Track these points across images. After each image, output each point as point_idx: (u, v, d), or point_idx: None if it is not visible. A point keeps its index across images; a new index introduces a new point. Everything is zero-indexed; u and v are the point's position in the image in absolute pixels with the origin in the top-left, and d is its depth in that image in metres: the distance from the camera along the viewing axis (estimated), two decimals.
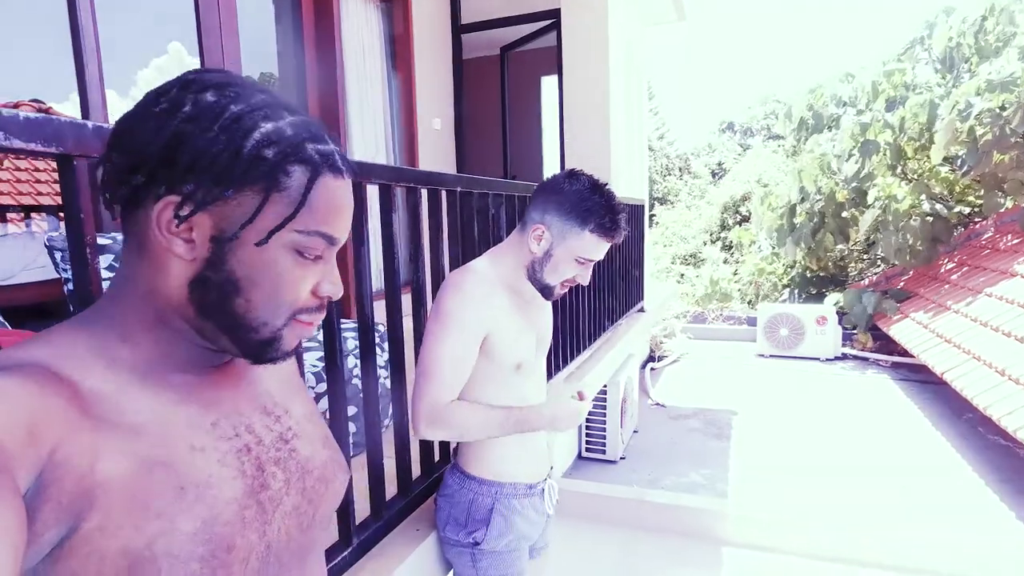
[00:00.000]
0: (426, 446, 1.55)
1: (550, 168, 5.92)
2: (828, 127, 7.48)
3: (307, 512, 0.60)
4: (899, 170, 6.63)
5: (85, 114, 2.20)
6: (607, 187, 1.29)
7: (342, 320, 1.31)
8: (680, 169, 22.98)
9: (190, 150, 0.48)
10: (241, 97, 0.50)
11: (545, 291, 1.33)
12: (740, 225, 13.87)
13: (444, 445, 1.63)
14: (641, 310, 4.70)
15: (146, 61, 2.74)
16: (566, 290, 1.34)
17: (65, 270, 2.00)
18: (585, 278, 1.32)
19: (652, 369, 6.47)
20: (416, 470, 1.52)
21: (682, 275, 12.14)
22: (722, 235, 14.68)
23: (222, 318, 0.52)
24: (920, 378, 5.87)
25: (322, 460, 0.64)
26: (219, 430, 0.54)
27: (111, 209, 0.52)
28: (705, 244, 14.83)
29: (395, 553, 1.34)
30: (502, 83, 5.26)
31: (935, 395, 5.39)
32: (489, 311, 1.26)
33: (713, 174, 21.26)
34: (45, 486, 0.40)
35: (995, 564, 2.54)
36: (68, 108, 2.37)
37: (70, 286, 2.01)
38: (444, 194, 1.58)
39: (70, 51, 2.13)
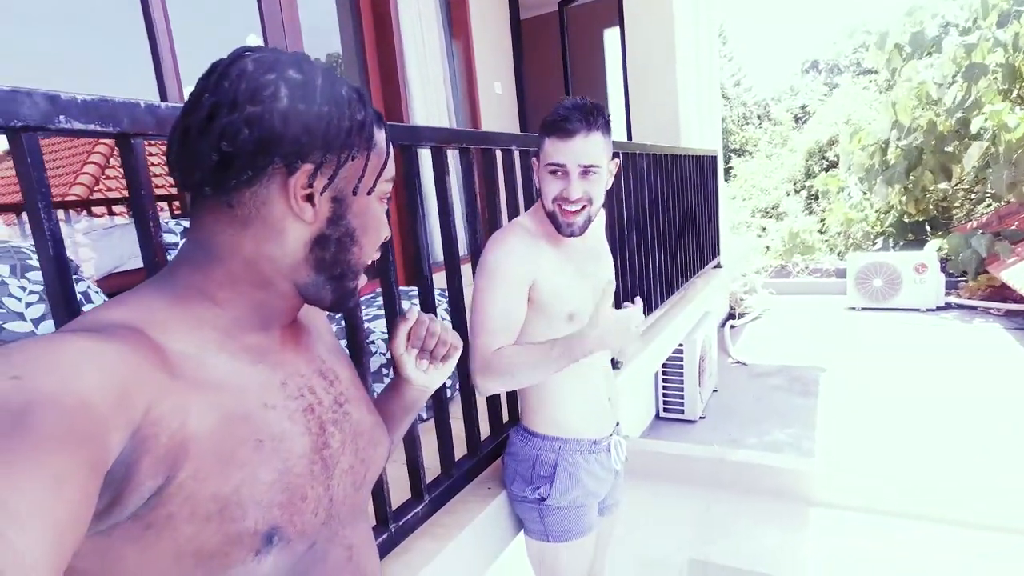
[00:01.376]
0: (494, 407, 1.57)
1: (617, 124, 5.72)
2: (928, 52, 6.76)
3: (359, 472, 0.64)
4: (1013, 95, 5.91)
5: (163, 97, 2.34)
6: (575, 96, 1.26)
7: (402, 288, 1.33)
8: (759, 117, 21.71)
9: (311, 125, 0.54)
10: (313, 70, 0.56)
11: (553, 220, 1.27)
12: (827, 172, 12.96)
13: (512, 405, 1.65)
14: (718, 266, 4.52)
15: (218, 55, 2.85)
16: (572, 216, 1.25)
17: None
18: (569, 190, 1.23)
19: (732, 327, 6.24)
20: (484, 431, 1.54)
21: (763, 228, 11.54)
22: (807, 184, 13.77)
23: (336, 268, 0.60)
24: None
25: (370, 424, 0.67)
26: (287, 389, 0.58)
27: (192, 190, 0.56)
28: (788, 195, 13.99)
29: (468, 509, 1.37)
30: (562, 40, 5.10)
31: None
32: (532, 262, 1.25)
33: (796, 119, 19.90)
34: (142, 440, 0.43)
35: None
36: None
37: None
38: (499, 154, 1.56)
39: (140, 52, 2.24)
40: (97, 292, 1.81)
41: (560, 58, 5.06)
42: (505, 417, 1.63)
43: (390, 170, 0.63)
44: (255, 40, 2.93)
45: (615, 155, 1.34)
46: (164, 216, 2.84)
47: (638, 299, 1.28)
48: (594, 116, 1.22)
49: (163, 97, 2.33)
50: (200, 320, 0.54)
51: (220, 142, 0.52)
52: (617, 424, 1.50)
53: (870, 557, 2.42)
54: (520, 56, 4.66)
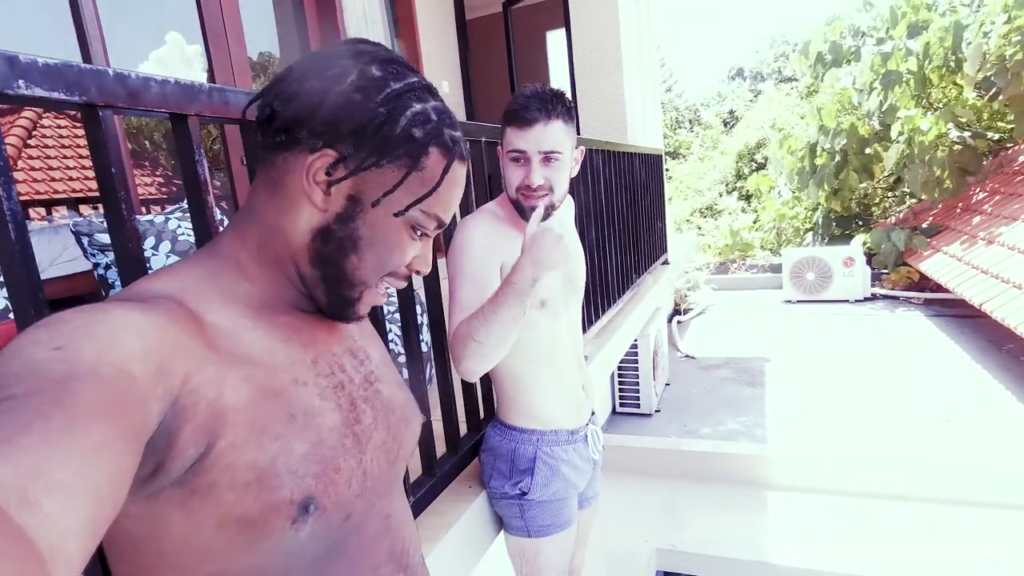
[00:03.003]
0: (471, 404, 1.54)
1: None
2: (847, 61, 7.19)
3: (392, 448, 0.64)
4: (924, 100, 6.37)
5: None
6: (534, 86, 1.26)
7: None
8: (690, 121, 22.52)
9: (354, 116, 0.53)
10: (401, 75, 0.55)
11: (516, 207, 1.27)
12: (757, 172, 13.57)
13: (488, 404, 1.61)
14: (665, 262, 4.63)
15: (145, 54, 2.68)
16: (532, 201, 1.23)
17: (93, 255, 1.99)
18: (529, 177, 1.22)
19: (679, 322, 6.42)
20: (463, 429, 1.50)
21: (699, 228, 11.95)
22: (738, 185, 14.38)
23: (330, 269, 0.57)
24: (955, 312, 5.75)
25: (401, 401, 0.68)
26: (318, 367, 0.58)
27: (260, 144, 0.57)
28: (721, 195, 14.57)
29: (450, 509, 1.33)
30: (507, 40, 5.12)
31: (973, 328, 5.27)
32: (500, 244, 1.25)
33: (725, 123, 20.77)
34: (182, 409, 0.44)
35: None
36: None
37: (100, 271, 2.00)
38: (465, 146, 1.53)
39: (69, 51, 2.09)
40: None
41: (506, 58, 5.07)
42: (482, 414, 1.60)
43: (435, 205, 0.57)
44: (176, 37, 2.79)
45: (578, 145, 1.33)
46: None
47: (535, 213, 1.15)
48: (553, 104, 1.21)
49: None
50: (234, 295, 0.55)
51: (275, 99, 0.55)
52: (593, 413, 1.49)
53: (824, 535, 2.52)
54: (467, 56, 4.64)
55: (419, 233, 0.59)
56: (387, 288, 0.61)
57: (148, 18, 2.70)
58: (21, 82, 0.59)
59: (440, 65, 4.33)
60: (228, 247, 0.57)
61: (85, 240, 1.97)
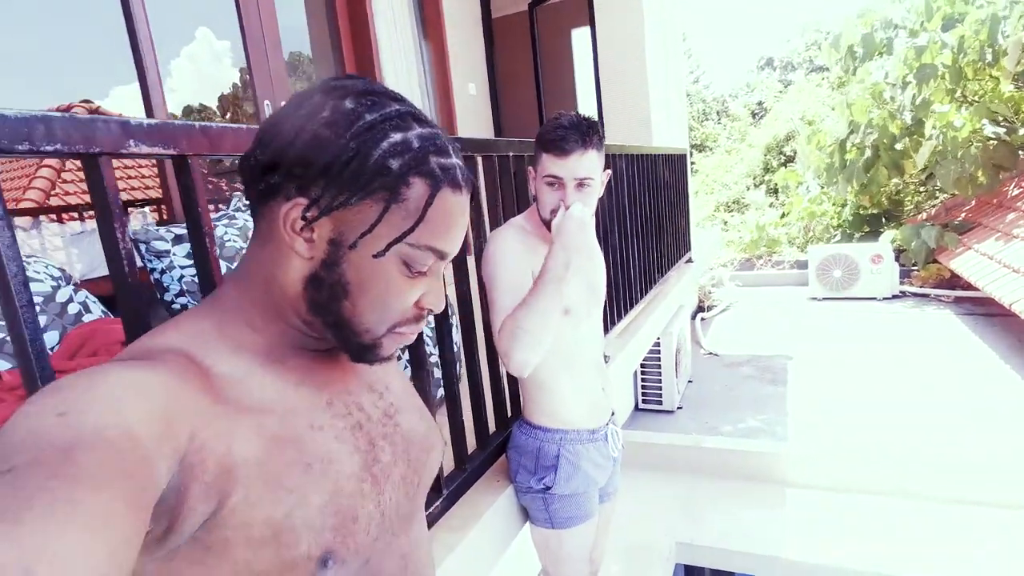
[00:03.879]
0: (499, 403, 1.64)
1: None
2: (879, 54, 7.07)
3: (412, 481, 0.64)
4: (958, 94, 6.25)
5: (148, 110, 2.32)
6: (570, 112, 1.35)
7: None
8: (718, 113, 22.17)
9: (322, 154, 0.50)
10: (376, 105, 0.52)
11: (548, 226, 1.36)
12: (785, 166, 13.36)
13: (515, 402, 1.72)
14: (689, 260, 4.66)
15: (177, 50, 2.80)
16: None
17: (149, 260, 2.14)
18: (566, 199, 1.31)
19: (703, 319, 6.44)
20: (492, 426, 1.61)
21: (725, 222, 11.85)
22: (766, 178, 14.18)
23: (329, 317, 0.55)
24: (985, 311, 5.67)
25: (422, 432, 0.68)
26: (334, 409, 0.57)
27: (247, 200, 0.58)
28: (748, 189, 14.37)
29: (481, 501, 1.44)
30: (532, 39, 5.17)
31: (1003, 327, 5.20)
32: (529, 255, 1.35)
33: (753, 115, 20.41)
34: (190, 467, 0.44)
35: None
36: (110, 105, 2.47)
37: (156, 275, 2.16)
38: (497, 160, 1.62)
39: (107, 46, 2.21)
40: (94, 301, 1.81)
41: (531, 58, 5.13)
42: (509, 412, 1.70)
43: (427, 238, 0.53)
44: (205, 32, 2.90)
45: (606, 166, 1.44)
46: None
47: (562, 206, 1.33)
48: (589, 135, 1.31)
49: (147, 103, 2.31)
50: (241, 345, 0.54)
51: (256, 147, 0.54)
52: (612, 414, 1.59)
53: (843, 532, 2.57)
54: (492, 56, 4.72)
55: (415, 270, 0.55)
56: (408, 331, 0.58)
57: (181, 11, 2.80)
58: (131, 142, 0.70)
59: (466, 66, 4.42)
60: (231, 298, 0.56)
61: (143, 247, 2.13)
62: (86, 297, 1.77)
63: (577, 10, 4.89)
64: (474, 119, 4.43)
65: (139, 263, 2.11)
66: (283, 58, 2.92)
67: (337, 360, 0.62)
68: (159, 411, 0.42)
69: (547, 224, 1.36)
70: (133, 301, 0.73)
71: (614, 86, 4.48)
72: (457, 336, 1.89)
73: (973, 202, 6.66)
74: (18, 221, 2.55)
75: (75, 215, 2.62)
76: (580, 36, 6.09)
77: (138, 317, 0.73)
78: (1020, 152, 6.23)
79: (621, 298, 2.73)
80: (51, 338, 1.61)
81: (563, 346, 1.40)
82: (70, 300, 1.72)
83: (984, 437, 3.50)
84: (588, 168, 1.31)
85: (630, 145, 3.03)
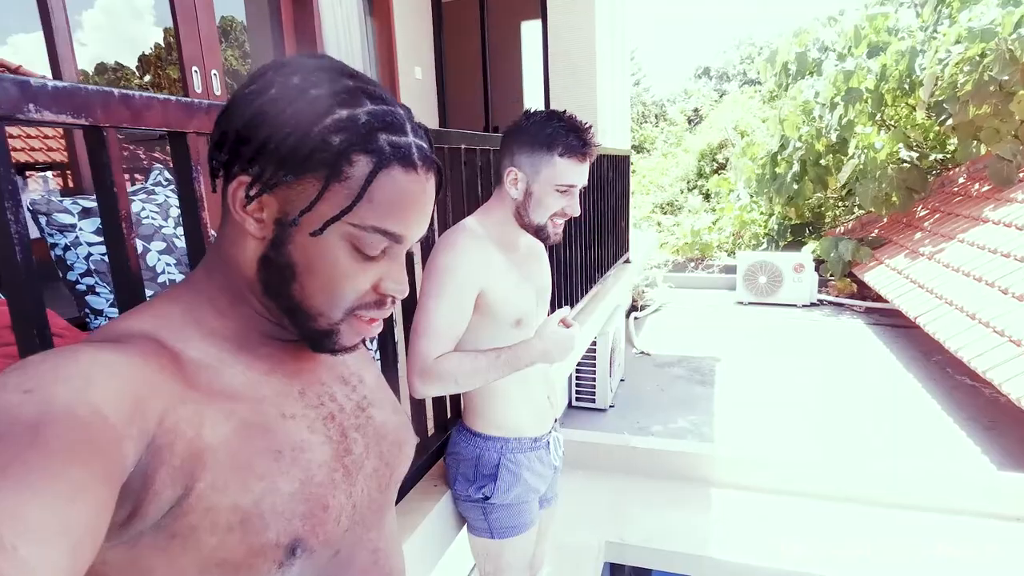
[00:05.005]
0: (439, 406, 1.58)
1: None
2: (811, 73, 7.44)
3: (384, 474, 0.63)
4: (878, 118, 6.66)
5: (55, 69, 2.08)
6: (565, 112, 1.31)
7: None
8: (656, 116, 22.77)
9: (263, 131, 0.49)
10: (325, 82, 0.50)
11: (539, 233, 1.32)
12: (718, 173, 13.88)
13: (456, 405, 1.66)
14: (627, 261, 4.73)
15: (90, 1, 2.55)
16: (560, 227, 1.34)
17: (51, 235, 1.92)
18: (574, 208, 1.31)
19: (635, 319, 6.58)
20: (430, 428, 1.55)
21: (659, 223, 12.19)
22: (699, 183, 14.68)
23: (281, 300, 0.54)
24: (892, 322, 6.09)
25: (394, 425, 0.66)
26: (306, 399, 0.56)
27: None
28: (682, 192, 14.84)
29: (417, 508, 1.38)
30: (482, 27, 5.08)
31: (907, 338, 5.60)
32: (482, 267, 1.26)
33: (689, 121, 21.08)
34: (158, 450, 0.43)
35: (961, 493, 2.72)
36: (7, 53, 2.20)
37: (58, 251, 1.95)
38: (447, 152, 1.55)
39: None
40: None
41: (479, 47, 5.04)
42: (448, 414, 1.64)
43: (372, 218, 0.50)
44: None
45: None
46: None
47: (567, 308, 1.35)
48: (594, 138, 1.28)
49: (53, 61, 2.08)
50: (211, 330, 0.53)
51: (215, 127, 0.53)
52: (556, 420, 1.56)
53: (767, 532, 2.68)
54: (440, 42, 4.60)
55: (367, 253, 0.52)
56: (371, 317, 0.55)
57: None
58: (31, 106, 0.59)
59: (413, 48, 4.28)
60: (200, 282, 0.55)
61: (43, 219, 1.91)
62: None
63: (528, 2, 4.84)
64: (419, 104, 4.30)
65: (37, 235, 1.89)
66: (215, 22, 2.71)
67: (307, 350, 0.59)
68: (129, 392, 0.41)
69: (534, 228, 1.30)
70: (20, 278, 0.61)
71: (563, 80, 4.47)
72: (400, 335, 1.81)
73: (886, 219, 7.14)
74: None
75: None
76: (530, 28, 6.05)
77: (29, 297, 0.62)
78: (929, 176, 6.72)
79: (562, 298, 2.72)
80: None
81: None
82: None
83: (889, 441, 3.75)
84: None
85: None
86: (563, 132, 1.25)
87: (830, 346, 5.63)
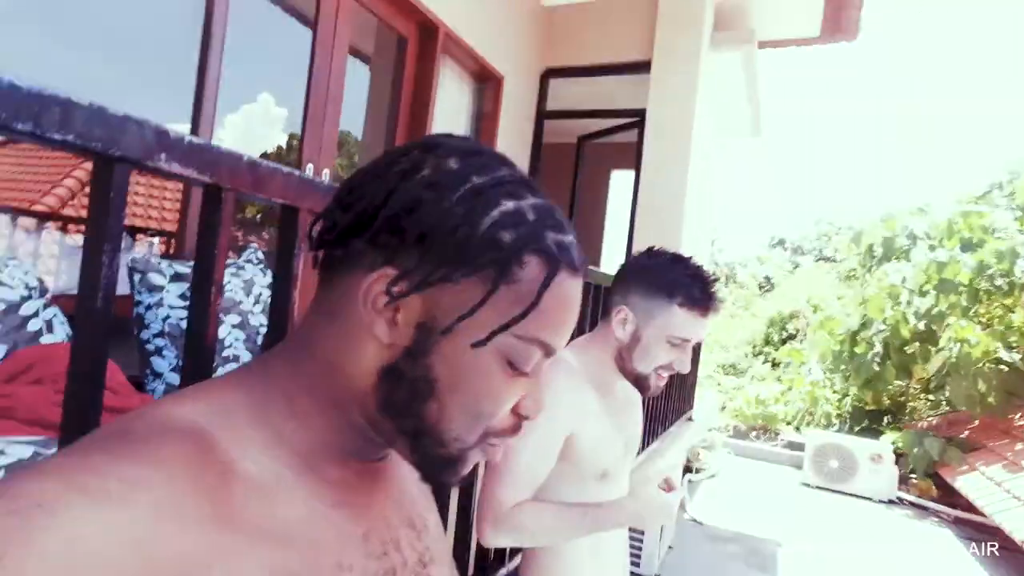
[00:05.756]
0: (482, 550, 1.39)
1: (610, 263, 5.89)
2: (898, 257, 7.30)
3: None
4: (972, 312, 6.34)
5: None
6: (691, 258, 1.20)
7: None
8: (726, 277, 22.87)
9: (421, 219, 0.41)
10: (487, 168, 0.44)
11: (639, 382, 1.19)
12: (785, 343, 13.49)
13: (507, 554, 1.47)
14: (690, 419, 4.46)
15: (236, 106, 2.84)
16: (664, 381, 1.20)
17: (139, 292, 1.97)
18: (684, 364, 1.17)
19: (689, 481, 6.09)
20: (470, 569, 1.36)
21: (719, 384, 11.72)
22: (765, 350, 14.28)
23: (407, 421, 0.44)
24: (987, 538, 5.32)
25: None
26: (369, 545, 0.45)
27: (318, 267, 0.47)
28: (746, 356, 14.44)
29: None
30: (575, 171, 5.33)
31: (1009, 564, 4.84)
32: (575, 411, 1.14)
33: (760, 287, 21.05)
34: None
35: None
36: None
37: (140, 309, 1.98)
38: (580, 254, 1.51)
39: (173, 88, 2.22)
40: (62, 322, 1.63)
41: (570, 187, 5.25)
42: (491, 557, 1.45)
43: (536, 329, 0.43)
44: (266, 98, 2.95)
45: None
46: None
47: (675, 480, 1.19)
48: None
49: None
50: (279, 436, 0.43)
51: (336, 206, 0.45)
52: None
53: None
54: (536, 178, 4.83)
55: (518, 369, 0.45)
56: (500, 443, 0.47)
57: (254, 71, 2.88)
58: (163, 155, 0.57)
59: None
60: (279, 375, 0.46)
61: (137, 277, 1.97)
62: (55, 315, 1.59)
63: (623, 153, 5.08)
64: None
65: (128, 291, 1.94)
66: (336, 131, 2.94)
67: (381, 479, 0.50)
68: (142, 538, 0.32)
69: (635, 376, 1.18)
70: (93, 323, 0.55)
71: (648, 233, 4.53)
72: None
73: (977, 421, 6.52)
74: (24, 222, 2.44)
75: (83, 228, 2.51)
76: (620, 178, 6.34)
77: (93, 346, 0.56)
78: None
79: None
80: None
81: None
82: (35, 315, 1.54)
83: None
84: None
85: None
86: (687, 280, 1.13)
87: (914, 555, 4.93)
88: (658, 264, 1.18)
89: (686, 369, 1.17)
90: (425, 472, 0.47)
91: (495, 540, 1.09)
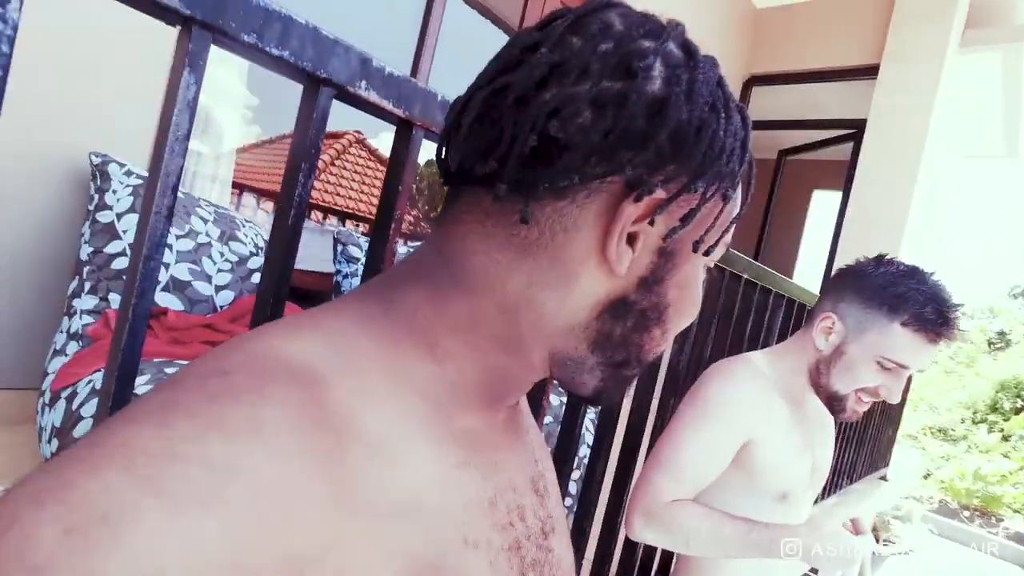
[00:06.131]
0: (628, 554, 1.29)
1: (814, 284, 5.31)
2: None
3: None
4: None
5: None
6: (933, 274, 1.00)
7: None
8: None
9: (685, 135, 0.36)
10: (698, 52, 0.38)
11: (832, 401, 1.03)
12: (1020, 413, 11.21)
13: (661, 570, 1.35)
14: (883, 478, 3.84)
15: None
16: (865, 407, 1.03)
17: (339, 262, 2.18)
18: (894, 392, 0.99)
19: (874, 554, 5.26)
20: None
21: (924, 448, 10.02)
22: (990, 418, 11.99)
23: (621, 352, 0.41)
24: None
25: (568, 565, 0.47)
26: (496, 514, 0.39)
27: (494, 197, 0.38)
28: (963, 422, 12.24)
29: None
30: (772, 187, 4.90)
31: None
32: (758, 412, 1.01)
33: (990, 344, 17.78)
34: None
35: None
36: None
37: (339, 278, 2.18)
38: (727, 276, 1.37)
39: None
40: None
41: (764, 203, 4.83)
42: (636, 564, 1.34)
43: (729, 233, 0.44)
44: None
45: None
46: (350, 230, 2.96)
47: (864, 525, 0.99)
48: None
49: None
50: (410, 380, 0.36)
51: (549, 121, 0.35)
52: None
53: None
54: None
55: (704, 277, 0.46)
56: None
57: (461, 74, 3.07)
58: (363, 83, 0.58)
59: None
60: (416, 313, 0.39)
61: (339, 248, 2.17)
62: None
63: (829, 171, 4.56)
64: None
65: (332, 266, 2.15)
66: None
67: (509, 431, 0.45)
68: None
69: (829, 394, 1.04)
70: (284, 236, 0.57)
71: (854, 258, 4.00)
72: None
73: None
74: (267, 205, 2.85)
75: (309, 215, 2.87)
76: (823, 199, 5.70)
77: (283, 254, 0.58)
78: None
79: None
80: (225, 296, 1.63)
81: None
82: (259, 269, 1.75)
83: None
84: None
85: None
86: (920, 298, 0.96)
87: None
88: (886, 273, 1.00)
89: (895, 399, 1.00)
90: (596, 393, 0.43)
91: (643, 534, 0.99)
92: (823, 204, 5.80)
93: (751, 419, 1.00)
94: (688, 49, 0.38)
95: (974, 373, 14.13)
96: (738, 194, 0.43)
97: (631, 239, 0.38)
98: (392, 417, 0.34)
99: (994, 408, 12.33)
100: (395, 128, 0.66)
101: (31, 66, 1.34)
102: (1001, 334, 18.30)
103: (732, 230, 0.43)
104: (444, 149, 0.41)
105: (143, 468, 0.24)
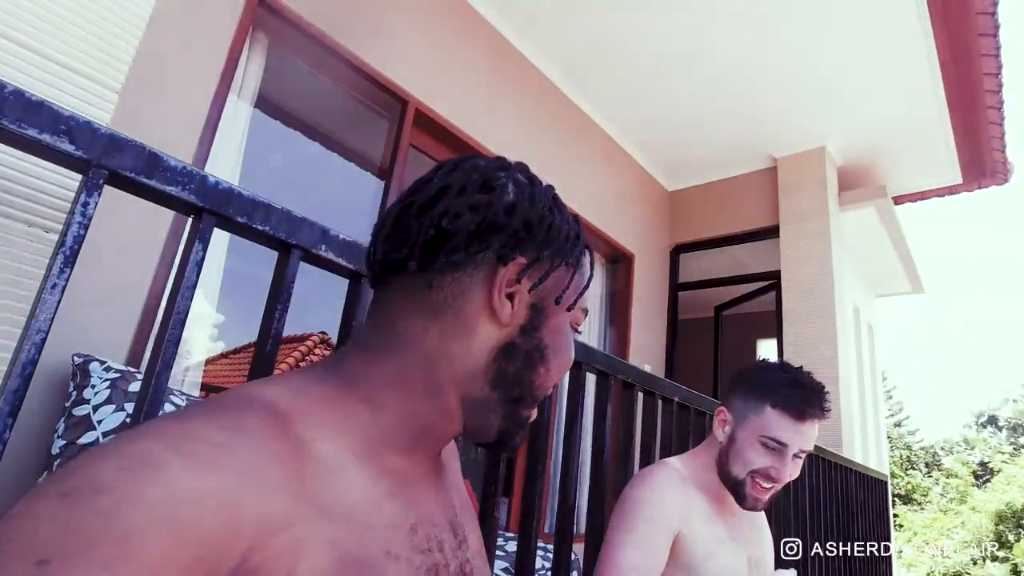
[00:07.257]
0: None
1: None
2: None
3: None
4: None
5: None
6: (800, 367, 1.19)
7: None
8: (927, 464, 19.53)
9: (533, 223, 0.52)
10: (537, 180, 0.57)
11: (736, 489, 1.15)
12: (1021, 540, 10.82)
13: None
14: None
15: None
16: (765, 493, 1.13)
17: None
18: (781, 472, 1.11)
19: None
20: None
21: None
22: (998, 553, 11.44)
23: (515, 389, 0.53)
24: None
25: None
26: (416, 538, 0.48)
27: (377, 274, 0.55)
28: (975, 563, 11.62)
29: None
30: (716, 339, 5.19)
31: None
32: (680, 507, 1.11)
33: (976, 475, 17.55)
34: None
35: None
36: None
37: None
38: (660, 401, 1.52)
39: None
40: None
41: (712, 356, 5.08)
42: None
43: (584, 300, 0.59)
44: None
45: None
46: None
47: (793, 572, 1.08)
48: (826, 403, 1.15)
49: None
50: (349, 425, 0.47)
51: (441, 219, 0.50)
52: None
53: None
54: (673, 349, 4.79)
55: (576, 327, 0.59)
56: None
57: None
58: (324, 247, 0.78)
59: (646, 352, 4.51)
60: (357, 369, 0.51)
61: None
62: None
63: (765, 322, 4.91)
64: None
65: None
66: None
67: (431, 476, 0.54)
68: (194, 544, 0.34)
69: (734, 483, 1.15)
70: (263, 366, 0.72)
71: None
72: None
73: None
74: None
75: None
76: (768, 347, 6.04)
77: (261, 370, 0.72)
78: None
79: None
80: None
81: None
82: None
83: None
84: (813, 440, 1.16)
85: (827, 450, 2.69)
86: (783, 383, 1.14)
87: None
88: (761, 368, 1.20)
89: (784, 479, 1.12)
90: (499, 436, 0.54)
91: None
92: (769, 352, 6.12)
93: (674, 513, 1.09)
94: (529, 176, 0.56)
95: (970, 508, 13.74)
96: (586, 268, 0.58)
97: (511, 297, 0.52)
98: (336, 450, 0.45)
99: (1000, 542, 11.85)
100: (347, 280, 0.85)
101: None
102: (983, 464, 18.14)
103: (586, 296, 0.59)
104: (373, 250, 0.55)
105: (170, 440, 0.37)
